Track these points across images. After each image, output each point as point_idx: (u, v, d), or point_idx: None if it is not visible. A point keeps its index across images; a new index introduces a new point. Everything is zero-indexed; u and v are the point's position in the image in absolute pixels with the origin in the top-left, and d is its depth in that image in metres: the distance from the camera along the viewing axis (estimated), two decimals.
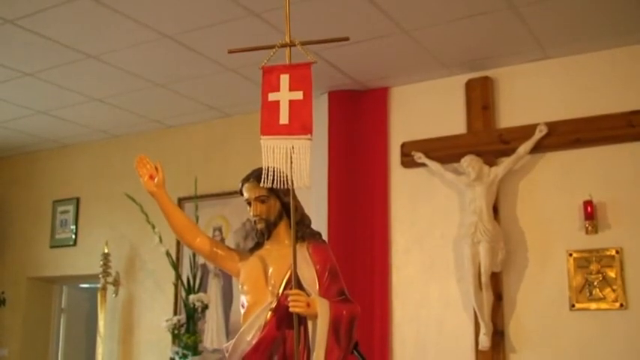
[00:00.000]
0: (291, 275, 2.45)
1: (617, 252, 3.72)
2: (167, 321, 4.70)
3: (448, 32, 3.71)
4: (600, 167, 3.85)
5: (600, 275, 3.73)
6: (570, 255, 3.82)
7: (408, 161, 4.34)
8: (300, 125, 2.32)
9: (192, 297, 4.65)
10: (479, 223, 3.87)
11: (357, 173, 4.41)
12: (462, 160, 4.03)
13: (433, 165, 4.20)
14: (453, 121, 4.25)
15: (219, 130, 5.11)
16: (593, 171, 3.87)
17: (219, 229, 4.93)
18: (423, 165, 4.25)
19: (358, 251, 4.29)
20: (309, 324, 2.43)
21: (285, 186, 2.31)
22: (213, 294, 4.83)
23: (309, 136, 2.32)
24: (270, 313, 2.51)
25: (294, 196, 2.47)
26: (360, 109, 4.50)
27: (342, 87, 4.47)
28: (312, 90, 2.36)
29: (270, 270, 2.59)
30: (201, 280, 4.82)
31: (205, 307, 4.65)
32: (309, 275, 2.51)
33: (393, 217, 4.35)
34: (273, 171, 2.31)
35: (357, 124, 4.49)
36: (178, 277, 4.90)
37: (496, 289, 3.90)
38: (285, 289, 2.51)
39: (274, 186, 2.32)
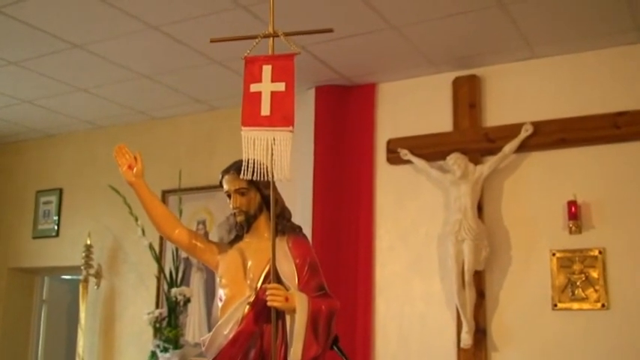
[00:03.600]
0: (270, 269, 2.44)
1: (600, 252, 3.73)
2: (149, 314, 4.68)
3: (436, 29, 3.71)
4: (585, 168, 3.85)
5: (583, 275, 3.74)
6: (553, 254, 3.83)
7: (393, 158, 4.34)
8: (282, 117, 2.31)
9: (174, 290, 4.63)
10: (463, 221, 3.88)
11: (342, 169, 4.41)
12: (448, 158, 4.03)
13: (419, 162, 4.20)
14: (439, 119, 4.25)
15: (205, 123, 5.08)
16: (577, 171, 3.87)
17: (203, 223, 4.92)
18: (409, 162, 4.25)
19: (342, 247, 4.29)
20: (287, 318, 2.42)
21: (266, 178, 2.30)
22: (195, 288, 4.81)
23: (290, 128, 2.31)
24: (248, 306, 2.50)
25: (275, 189, 2.46)
26: (346, 104, 4.50)
27: (329, 82, 4.46)
28: (295, 82, 2.35)
29: (249, 263, 2.58)
30: (184, 274, 4.79)
31: (187, 300, 4.64)
32: (288, 269, 2.50)
33: (377, 213, 4.35)
34: (254, 163, 2.30)
35: (344, 120, 4.49)
36: (161, 270, 4.88)
37: (479, 288, 3.90)
38: (263, 282, 2.50)
39: (254, 178, 2.31)
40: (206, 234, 4.83)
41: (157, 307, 4.91)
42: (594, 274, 3.73)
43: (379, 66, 4.26)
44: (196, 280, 4.85)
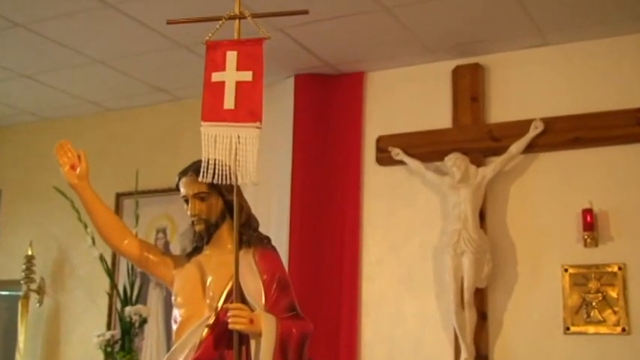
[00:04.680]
0: (232, 286, 2.44)
1: (619, 268, 3.74)
2: (99, 336, 4.63)
3: (434, 11, 3.71)
4: (603, 171, 3.87)
5: (600, 295, 3.75)
6: (566, 270, 3.85)
7: (384, 158, 4.35)
8: (248, 111, 2.32)
9: (128, 309, 4.61)
10: (463, 231, 3.89)
11: (325, 171, 4.43)
12: (446, 159, 4.04)
13: (413, 163, 4.21)
14: (436, 114, 4.27)
15: (168, 115, 5.08)
16: (594, 175, 3.89)
17: (164, 231, 4.94)
18: (402, 163, 4.27)
19: (325, 261, 4.32)
20: (252, 343, 2.41)
21: (229, 182, 2.31)
22: (153, 306, 4.80)
23: (257, 123, 2.31)
24: (206, 329, 2.49)
25: (240, 194, 2.47)
26: (331, 96, 4.52)
27: (310, 70, 4.48)
28: (266, 70, 2.36)
29: (209, 279, 2.58)
30: (140, 290, 4.76)
31: (144, 321, 4.62)
32: (253, 286, 2.50)
33: (365, 222, 4.36)
34: (215, 164, 2.30)
35: (327, 114, 4.51)
36: (113, 285, 4.86)
37: (480, 308, 3.91)
38: (225, 302, 2.50)
39: (216, 181, 2.31)
40: (166, 244, 4.85)
41: (109, 328, 4.89)
42: (613, 293, 3.73)
43: (368, 52, 4.27)
44: (154, 297, 4.85)
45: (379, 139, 4.39)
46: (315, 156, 4.45)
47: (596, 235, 3.79)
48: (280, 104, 4.49)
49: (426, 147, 4.22)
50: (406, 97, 4.40)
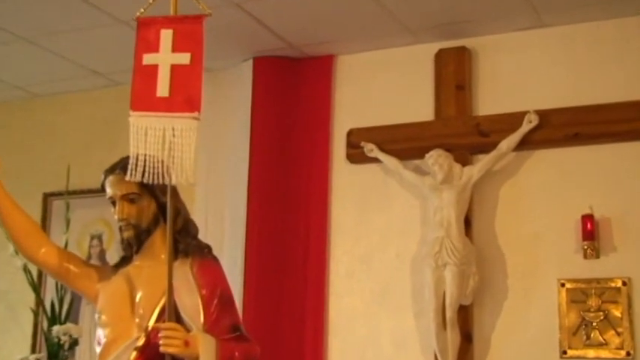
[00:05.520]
0: (165, 302, 2.44)
1: (623, 283, 3.74)
2: None
3: None
4: (606, 172, 3.88)
5: (601, 313, 3.75)
6: (563, 285, 3.85)
7: (355, 155, 4.35)
8: (185, 99, 2.33)
9: (57, 328, 4.50)
10: (445, 239, 3.89)
11: (287, 170, 4.43)
12: (427, 156, 4.04)
13: (389, 161, 4.21)
14: (416, 104, 4.27)
15: (104, 103, 5.01)
16: (596, 176, 3.89)
17: (99, 238, 4.91)
18: (376, 160, 4.26)
19: (287, 273, 4.32)
20: None
21: (162, 181, 2.32)
22: (85, 325, 4.70)
23: (195, 114, 2.32)
24: (135, 353, 2.47)
25: (176, 195, 2.50)
26: (294, 83, 4.51)
27: (272, 52, 4.47)
28: (204, 53, 2.38)
29: (139, 295, 2.58)
30: (71, 307, 4.65)
31: (75, 342, 4.52)
32: (190, 303, 2.49)
33: (333, 229, 4.36)
34: (146, 160, 2.31)
35: (291, 104, 4.50)
36: (39, 301, 4.78)
37: (464, 328, 3.91)
38: (157, 320, 2.50)
39: (147, 180, 2.32)
40: (102, 253, 4.84)
41: (34, 350, 4.86)
42: (616, 311, 3.73)
43: (339, 33, 4.27)
44: (87, 315, 4.76)
45: (350, 133, 4.39)
46: (276, 153, 4.45)
47: (598, 245, 3.79)
48: (235, 92, 4.50)
49: (404, 142, 4.21)
50: (382, 84, 4.39)
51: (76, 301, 4.70)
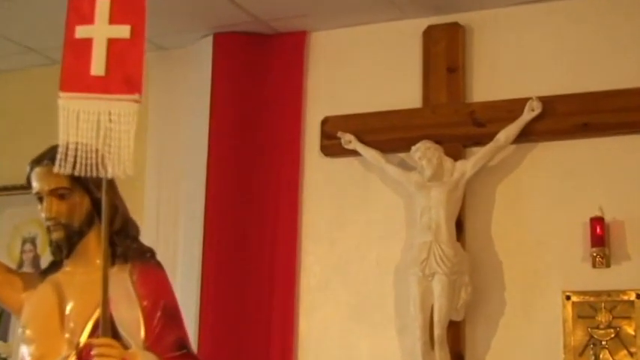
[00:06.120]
0: (100, 315, 2.37)
1: (637, 296, 3.72)
2: None
3: None
4: (618, 168, 3.86)
5: (612, 330, 3.71)
6: (568, 298, 3.82)
7: (331, 146, 4.33)
8: (124, 79, 2.28)
9: None
10: (434, 244, 3.86)
11: (252, 162, 4.42)
12: (414, 149, 4.00)
13: (369, 154, 4.18)
14: (402, 89, 4.26)
15: (40, 84, 4.87)
16: (607, 173, 3.87)
17: (32, 241, 4.85)
18: (355, 153, 4.24)
19: (250, 282, 4.30)
20: None
21: (97, 173, 2.26)
22: (15, 343, 4.55)
23: (136, 96, 2.27)
24: None
25: (113, 190, 2.48)
26: (262, 63, 4.51)
27: (235, 28, 4.46)
28: (146, 25, 2.33)
29: (70, 306, 2.55)
30: (0, 322, 4.67)
31: None
32: (129, 316, 2.47)
33: (305, 232, 4.36)
34: (77, 149, 2.24)
35: (257, 87, 4.49)
36: None
37: (455, 347, 3.88)
38: (91, 335, 2.46)
39: (79, 173, 2.24)
40: (36, 259, 4.80)
41: None
42: (629, 328, 3.70)
43: (313, 6, 4.25)
44: (18, 332, 4.63)
45: (325, 122, 4.37)
46: (239, 144, 4.43)
47: (608, 252, 3.75)
48: (192, 73, 4.50)
49: (387, 133, 4.20)
50: (362, 66, 4.39)
51: (4, 315, 4.68)
